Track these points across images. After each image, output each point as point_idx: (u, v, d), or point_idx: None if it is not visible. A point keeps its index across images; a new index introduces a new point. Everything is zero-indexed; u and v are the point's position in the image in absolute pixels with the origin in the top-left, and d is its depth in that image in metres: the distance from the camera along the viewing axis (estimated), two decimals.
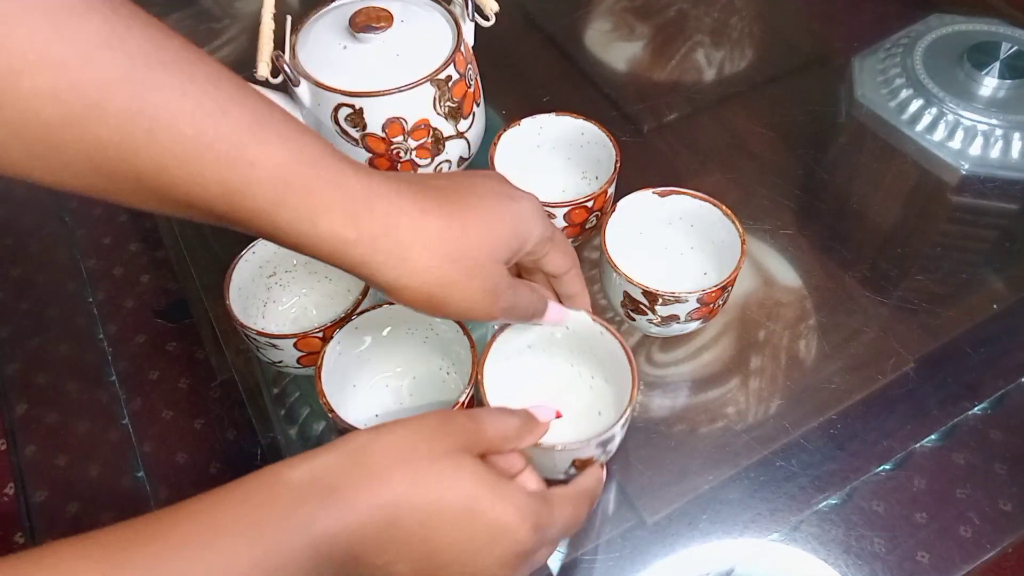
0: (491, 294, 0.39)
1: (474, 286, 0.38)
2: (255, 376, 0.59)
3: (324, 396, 0.48)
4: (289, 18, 0.59)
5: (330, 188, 0.35)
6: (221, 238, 0.66)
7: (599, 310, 0.61)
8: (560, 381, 0.55)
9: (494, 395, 0.48)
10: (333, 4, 0.61)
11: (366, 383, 0.55)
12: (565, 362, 0.54)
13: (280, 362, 0.53)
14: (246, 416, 0.57)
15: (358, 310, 0.52)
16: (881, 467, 0.53)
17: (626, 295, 0.54)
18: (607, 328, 0.50)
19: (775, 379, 0.57)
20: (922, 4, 0.82)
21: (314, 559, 0.33)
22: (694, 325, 0.56)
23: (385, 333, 0.54)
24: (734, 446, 0.54)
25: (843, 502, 0.52)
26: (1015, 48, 0.72)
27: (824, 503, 0.52)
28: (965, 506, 0.52)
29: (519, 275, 0.48)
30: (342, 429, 0.47)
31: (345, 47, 0.58)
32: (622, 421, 0.46)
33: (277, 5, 0.58)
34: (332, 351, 0.50)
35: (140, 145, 0.31)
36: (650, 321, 0.55)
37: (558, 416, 0.48)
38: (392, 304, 0.52)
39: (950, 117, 0.69)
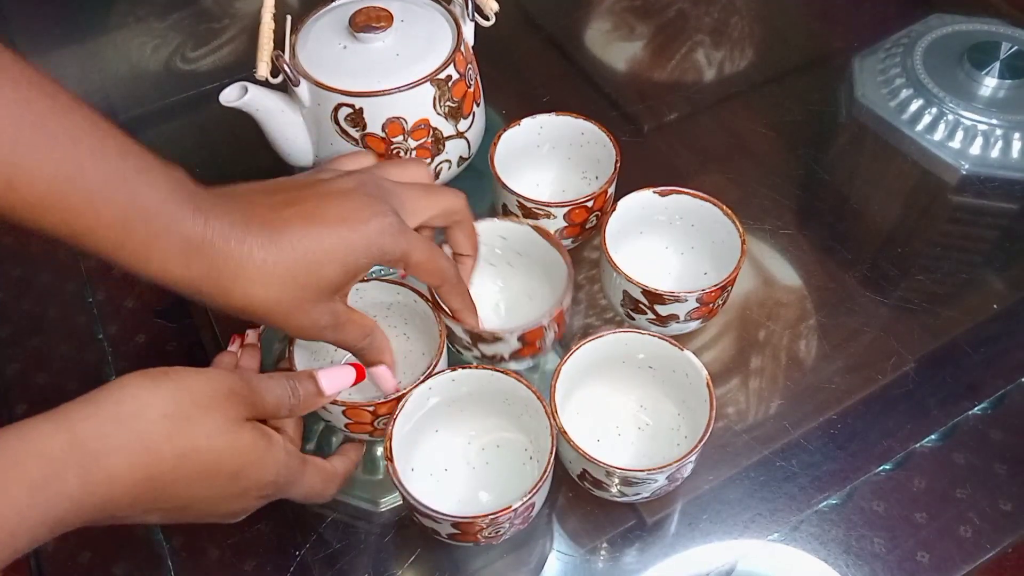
0: (315, 327, 0.43)
1: (299, 317, 0.42)
2: None
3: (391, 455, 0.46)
4: (289, 18, 0.59)
5: (164, 235, 0.37)
6: None
7: (599, 309, 0.61)
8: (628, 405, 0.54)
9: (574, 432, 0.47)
10: (333, 4, 0.61)
11: (438, 440, 0.52)
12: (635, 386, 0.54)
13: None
14: None
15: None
16: (881, 467, 0.54)
17: (626, 294, 0.54)
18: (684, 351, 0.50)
19: (775, 379, 0.57)
20: (922, 4, 0.82)
21: (53, 525, 0.33)
22: (693, 325, 0.56)
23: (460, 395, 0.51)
24: (734, 446, 0.54)
25: (843, 502, 0.52)
26: (1015, 48, 0.72)
27: (824, 503, 0.52)
28: (965, 506, 0.52)
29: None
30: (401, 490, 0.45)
31: (345, 47, 0.58)
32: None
33: (277, 5, 0.58)
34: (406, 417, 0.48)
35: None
36: (650, 320, 0.55)
37: (359, 379, 0.46)
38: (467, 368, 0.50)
39: (950, 117, 0.69)
